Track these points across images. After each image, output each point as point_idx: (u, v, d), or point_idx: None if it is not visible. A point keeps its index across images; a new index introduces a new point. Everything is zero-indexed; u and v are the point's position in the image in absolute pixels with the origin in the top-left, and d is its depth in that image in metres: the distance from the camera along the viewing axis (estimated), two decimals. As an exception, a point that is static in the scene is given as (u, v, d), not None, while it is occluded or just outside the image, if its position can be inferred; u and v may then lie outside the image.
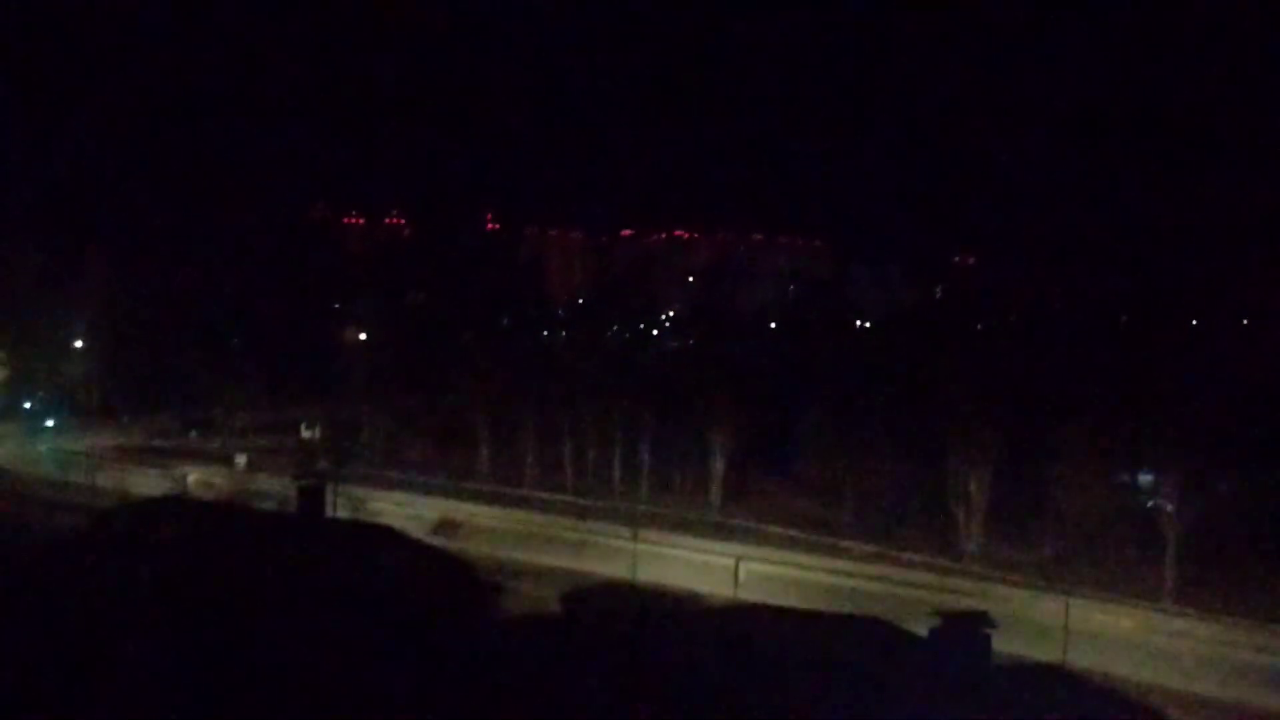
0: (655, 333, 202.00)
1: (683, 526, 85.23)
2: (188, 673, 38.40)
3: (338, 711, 38.15)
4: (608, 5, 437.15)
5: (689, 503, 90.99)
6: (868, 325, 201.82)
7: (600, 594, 70.46)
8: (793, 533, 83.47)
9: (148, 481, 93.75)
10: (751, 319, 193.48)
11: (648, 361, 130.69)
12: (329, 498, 79.02)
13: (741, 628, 58.18)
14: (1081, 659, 58.74)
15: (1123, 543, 74.33)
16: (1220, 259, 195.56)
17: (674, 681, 44.23)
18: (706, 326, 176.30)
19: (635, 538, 75.00)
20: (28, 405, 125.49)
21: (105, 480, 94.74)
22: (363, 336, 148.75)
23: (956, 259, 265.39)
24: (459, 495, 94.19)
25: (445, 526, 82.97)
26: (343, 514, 78.57)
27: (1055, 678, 55.91)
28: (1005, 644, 58.67)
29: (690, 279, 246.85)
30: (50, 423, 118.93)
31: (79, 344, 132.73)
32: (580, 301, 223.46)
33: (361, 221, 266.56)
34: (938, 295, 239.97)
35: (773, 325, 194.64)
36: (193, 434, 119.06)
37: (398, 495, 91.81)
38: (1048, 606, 65.32)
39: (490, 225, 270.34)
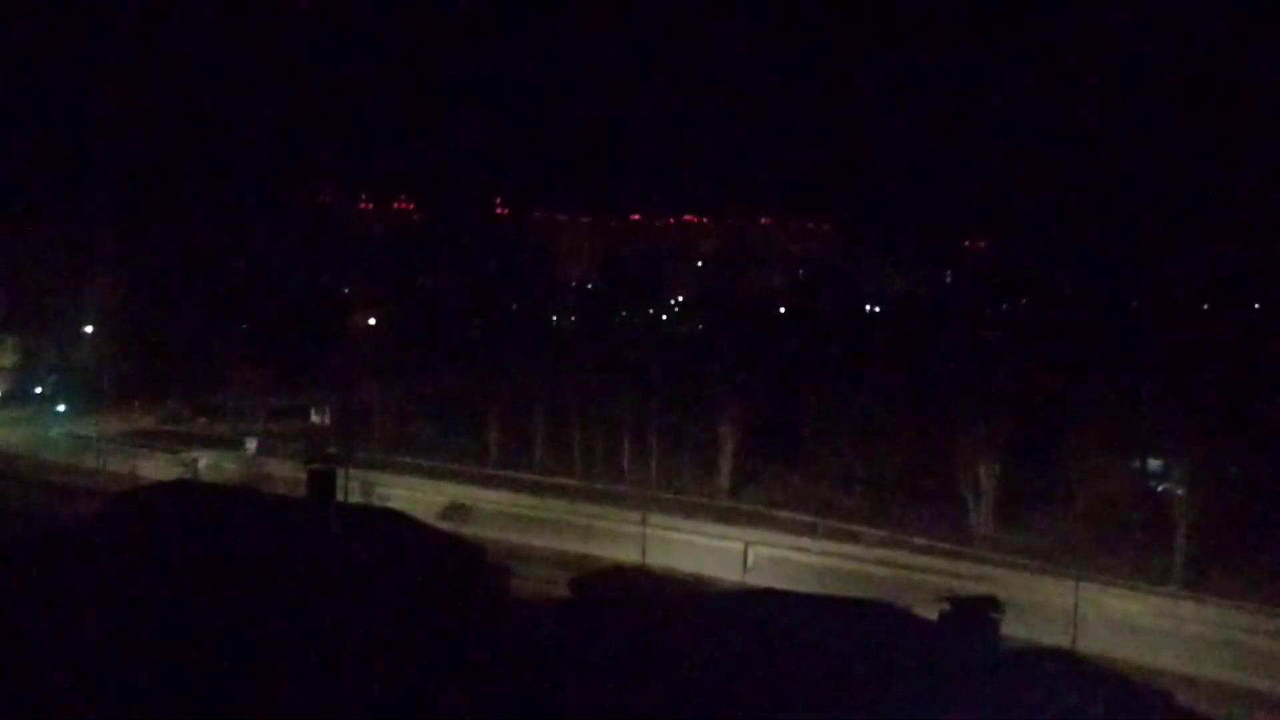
0: (664, 318, 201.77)
1: (692, 511, 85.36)
2: (198, 656, 38.56)
3: (348, 695, 38.30)
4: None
5: (698, 487, 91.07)
6: (877, 310, 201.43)
7: (609, 578, 70.63)
8: (802, 517, 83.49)
9: (158, 466, 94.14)
10: (761, 304, 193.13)
11: (656, 346, 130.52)
12: (340, 482, 79.21)
13: (750, 612, 58.21)
14: (1090, 643, 58.74)
15: (1132, 528, 74.21)
16: (1233, 244, 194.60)
17: (683, 666, 44.28)
18: (715, 311, 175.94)
19: (644, 522, 75.13)
20: (38, 390, 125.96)
21: (116, 465, 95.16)
22: (372, 321, 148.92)
23: (967, 243, 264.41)
24: (468, 480, 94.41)
25: (455, 511, 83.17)
26: (353, 499, 78.83)
27: (1064, 662, 55.86)
28: (1014, 628, 58.66)
29: (699, 264, 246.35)
30: (61, 407, 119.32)
31: (89, 329, 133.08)
32: (589, 286, 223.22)
33: (371, 206, 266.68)
34: (948, 279, 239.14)
35: (782, 310, 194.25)
36: (203, 419, 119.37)
37: (407, 479, 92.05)
38: (1057, 591, 65.35)
39: (499, 210, 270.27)
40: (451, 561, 50.40)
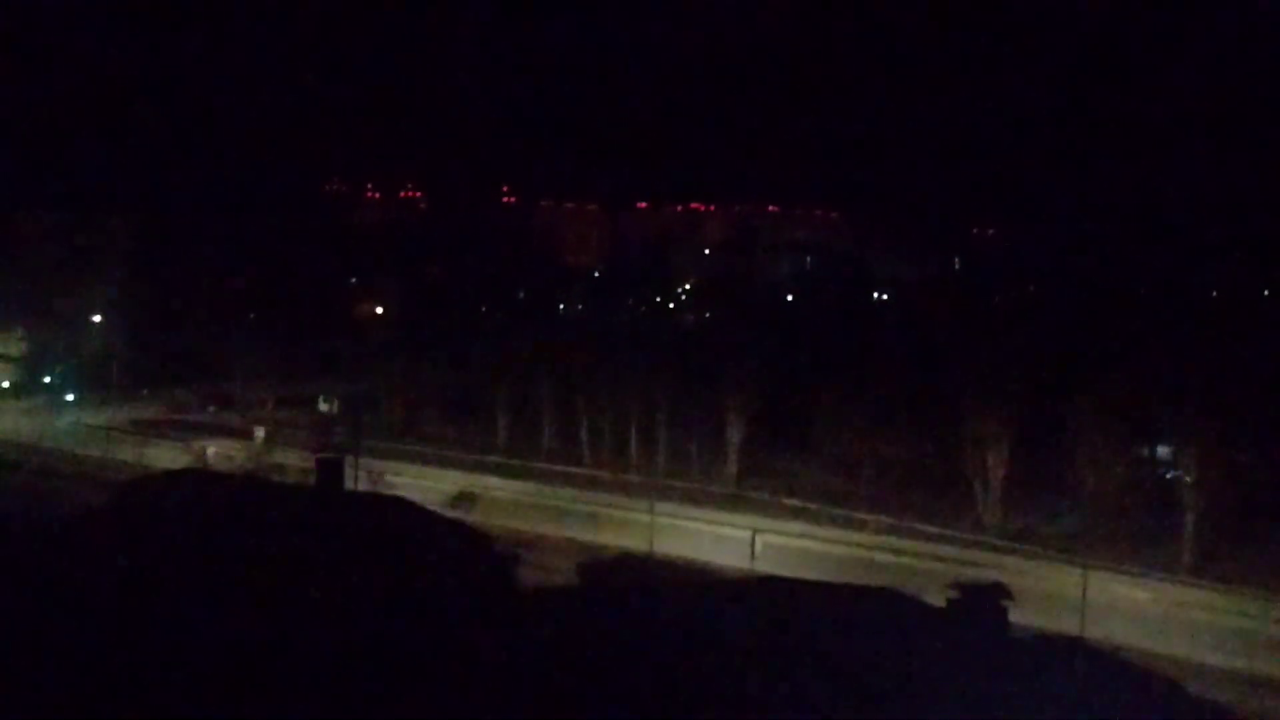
0: (671, 306, 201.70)
1: (699, 499, 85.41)
2: (207, 643, 38.71)
3: (357, 683, 38.41)
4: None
5: (705, 475, 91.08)
6: (885, 297, 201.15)
7: (617, 566, 70.79)
8: (809, 505, 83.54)
9: (167, 455, 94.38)
10: (768, 292, 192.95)
11: (663, 334, 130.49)
12: (348, 471, 79.41)
13: (757, 599, 58.27)
14: (1099, 631, 58.66)
15: (1141, 515, 74.12)
16: (1241, 229, 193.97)
17: (690, 653, 44.36)
18: (723, 299, 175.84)
19: (652, 510, 75.19)
20: (48, 380, 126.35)
21: (125, 454, 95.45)
22: (380, 310, 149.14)
23: (975, 230, 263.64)
24: (476, 468, 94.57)
25: (463, 499, 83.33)
26: (362, 487, 78.99)
27: (1072, 649, 55.87)
28: (1022, 616, 58.60)
29: (706, 252, 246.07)
30: (70, 397, 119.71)
31: (98, 319, 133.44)
32: (596, 274, 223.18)
33: (378, 196, 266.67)
34: (956, 267, 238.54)
35: (789, 298, 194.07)
36: (211, 408, 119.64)
37: (415, 468, 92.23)
38: (1065, 578, 65.25)
39: (506, 198, 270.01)
40: (460, 549, 50.56)
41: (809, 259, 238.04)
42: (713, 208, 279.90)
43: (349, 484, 78.80)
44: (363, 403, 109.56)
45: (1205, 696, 52.55)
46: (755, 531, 72.28)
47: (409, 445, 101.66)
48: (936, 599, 60.18)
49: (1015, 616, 58.12)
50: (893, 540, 76.24)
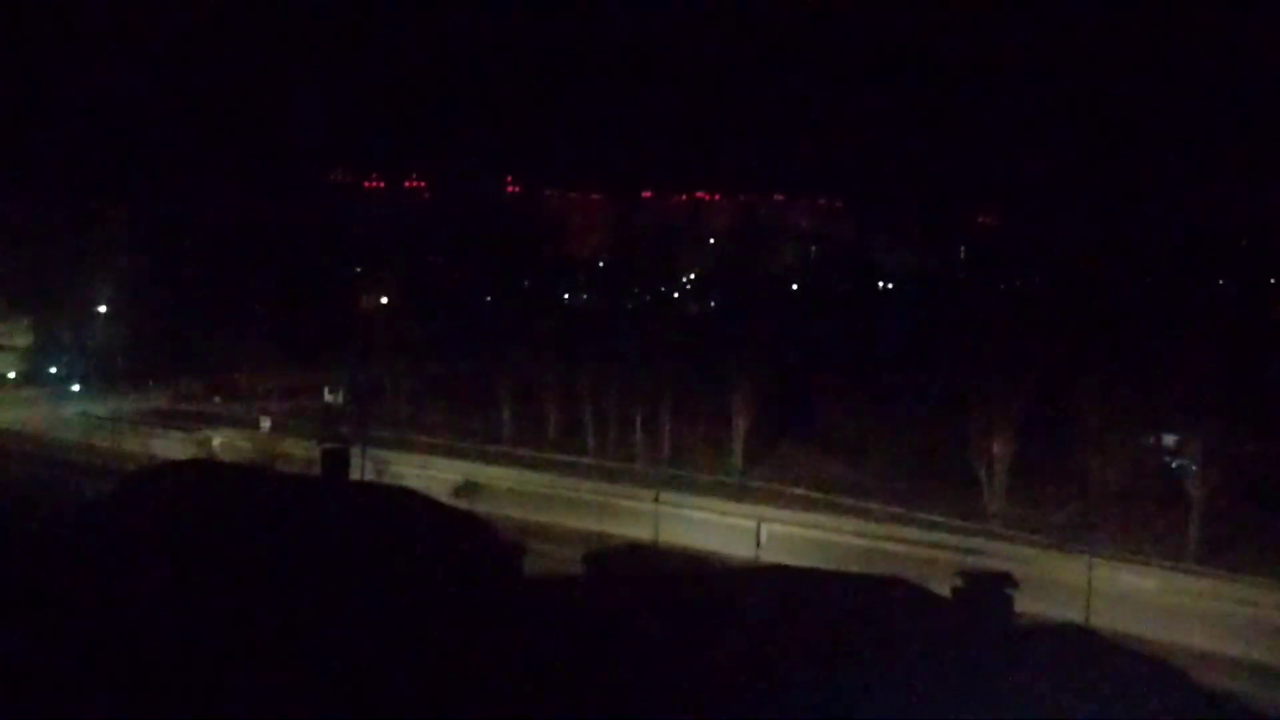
0: (676, 295, 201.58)
1: (704, 488, 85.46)
2: (213, 633, 38.76)
3: (362, 673, 38.46)
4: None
5: (711, 465, 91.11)
6: (889, 286, 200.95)
7: (622, 555, 70.80)
8: (815, 494, 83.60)
9: (173, 445, 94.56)
10: (773, 281, 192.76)
11: (668, 323, 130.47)
12: (354, 461, 79.47)
13: (762, 588, 58.28)
14: (1104, 619, 58.58)
15: (1147, 503, 74.07)
16: (1250, 216, 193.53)
17: (695, 642, 44.37)
18: (728, 288, 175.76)
19: (657, 500, 75.25)
20: (53, 370, 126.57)
21: (130, 444, 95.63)
22: (384, 300, 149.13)
23: (980, 219, 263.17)
24: (482, 458, 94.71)
25: (468, 489, 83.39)
26: (367, 477, 79.09)
27: (1078, 638, 55.81)
28: (1028, 604, 58.35)
29: (711, 241, 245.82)
30: (75, 387, 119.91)
31: (103, 309, 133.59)
32: (601, 264, 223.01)
33: (382, 185, 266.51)
34: (961, 255, 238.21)
35: (794, 287, 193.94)
36: (217, 398, 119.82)
37: (421, 458, 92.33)
38: (1070, 567, 65.27)
39: (510, 188, 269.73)
40: (464, 539, 50.51)
41: (814, 248, 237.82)
42: (718, 197, 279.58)
43: (355, 474, 79.03)
44: (368, 393, 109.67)
45: (1212, 685, 52.50)
46: (760, 520, 72.30)
47: (414, 435, 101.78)
48: (941, 587, 60.18)
49: (1020, 605, 57.99)
50: (898, 529, 76.24)
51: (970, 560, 68.16)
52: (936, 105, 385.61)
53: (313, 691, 37.59)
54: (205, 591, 40.62)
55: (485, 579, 48.71)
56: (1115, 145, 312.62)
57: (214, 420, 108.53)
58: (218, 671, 37.41)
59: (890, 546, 72.30)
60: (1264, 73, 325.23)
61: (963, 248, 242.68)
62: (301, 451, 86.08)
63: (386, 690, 38.50)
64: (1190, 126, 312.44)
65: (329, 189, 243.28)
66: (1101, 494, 74.90)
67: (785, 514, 78.28)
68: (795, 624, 47.32)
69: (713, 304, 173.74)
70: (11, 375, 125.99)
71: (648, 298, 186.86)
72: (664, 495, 77.08)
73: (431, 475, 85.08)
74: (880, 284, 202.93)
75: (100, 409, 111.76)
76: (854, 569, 64.12)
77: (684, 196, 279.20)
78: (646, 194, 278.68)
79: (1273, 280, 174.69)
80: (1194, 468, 72.14)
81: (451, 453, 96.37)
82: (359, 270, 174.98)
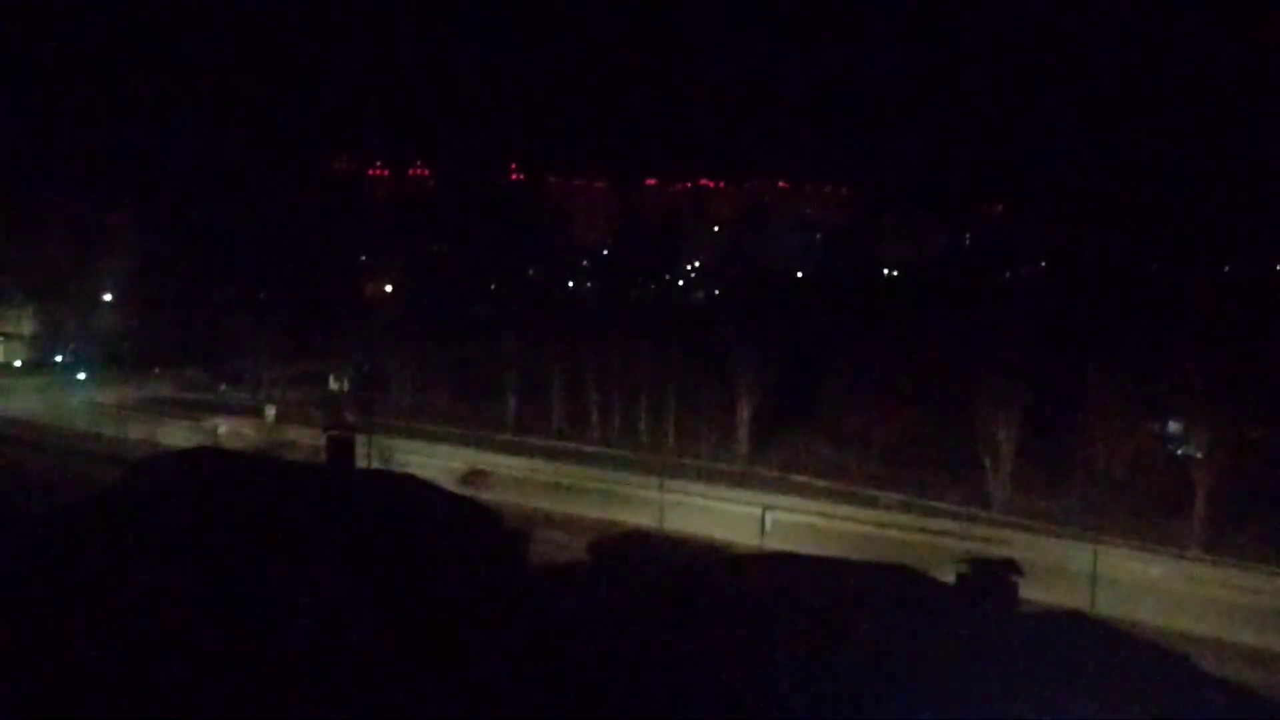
0: (681, 282, 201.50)
1: (709, 476, 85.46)
2: (219, 620, 38.88)
3: (368, 661, 38.59)
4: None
5: (715, 452, 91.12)
6: (895, 274, 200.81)
7: (627, 543, 70.89)
8: (819, 482, 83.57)
9: (178, 433, 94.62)
10: (778, 268, 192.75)
11: (673, 311, 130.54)
12: (360, 449, 79.56)
13: (767, 576, 58.38)
14: (1109, 607, 58.71)
15: (1151, 491, 74.04)
16: (1255, 204, 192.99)
17: (700, 630, 44.46)
18: (732, 276, 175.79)
19: (662, 487, 75.26)
20: (59, 358, 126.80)
21: (136, 432, 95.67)
22: (389, 288, 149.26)
23: (985, 207, 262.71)
24: (487, 446, 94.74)
25: (473, 477, 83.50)
26: (373, 465, 79.15)
27: (1082, 625, 55.87)
28: (1032, 592, 58.59)
29: (716, 228, 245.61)
30: (81, 375, 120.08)
31: (109, 297, 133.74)
32: (605, 251, 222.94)
33: (386, 173, 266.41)
34: (967, 243, 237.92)
35: (799, 274, 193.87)
36: (222, 386, 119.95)
37: (426, 446, 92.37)
38: (1075, 554, 65.28)
39: (514, 175, 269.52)
40: (470, 527, 50.60)
41: (819, 236, 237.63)
42: (722, 184, 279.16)
43: (360, 462, 79.10)
44: (373, 381, 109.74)
45: (1217, 672, 52.52)
46: (765, 508, 72.32)
47: (419, 423, 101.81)
48: (946, 575, 60.24)
49: (1025, 592, 58.14)
50: (903, 516, 76.26)
51: (975, 548, 68.20)
52: (943, 93, 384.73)
53: (319, 675, 37.73)
54: (211, 578, 40.74)
55: (490, 566, 48.82)
56: (1121, 134, 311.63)
57: (219, 408, 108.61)
58: (224, 655, 37.54)
59: (895, 534, 72.33)
60: (1269, 61, 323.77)
61: (968, 236, 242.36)
62: (307, 439, 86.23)
63: (393, 674, 38.63)
64: (1196, 114, 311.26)
65: (334, 177, 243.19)
66: (1106, 481, 74.86)
67: (790, 501, 78.28)
68: (799, 611, 47.41)
69: (717, 291, 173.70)
70: (18, 363, 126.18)
71: (652, 285, 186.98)
72: (669, 483, 77.10)
73: (437, 463, 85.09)
74: (885, 271, 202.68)
75: (106, 397, 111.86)
76: (859, 556, 64.30)
77: (688, 184, 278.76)
78: (651, 181, 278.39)
79: (1278, 266, 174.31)
80: (1199, 454, 72.05)
81: (457, 440, 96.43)
82: (364, 258, 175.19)
